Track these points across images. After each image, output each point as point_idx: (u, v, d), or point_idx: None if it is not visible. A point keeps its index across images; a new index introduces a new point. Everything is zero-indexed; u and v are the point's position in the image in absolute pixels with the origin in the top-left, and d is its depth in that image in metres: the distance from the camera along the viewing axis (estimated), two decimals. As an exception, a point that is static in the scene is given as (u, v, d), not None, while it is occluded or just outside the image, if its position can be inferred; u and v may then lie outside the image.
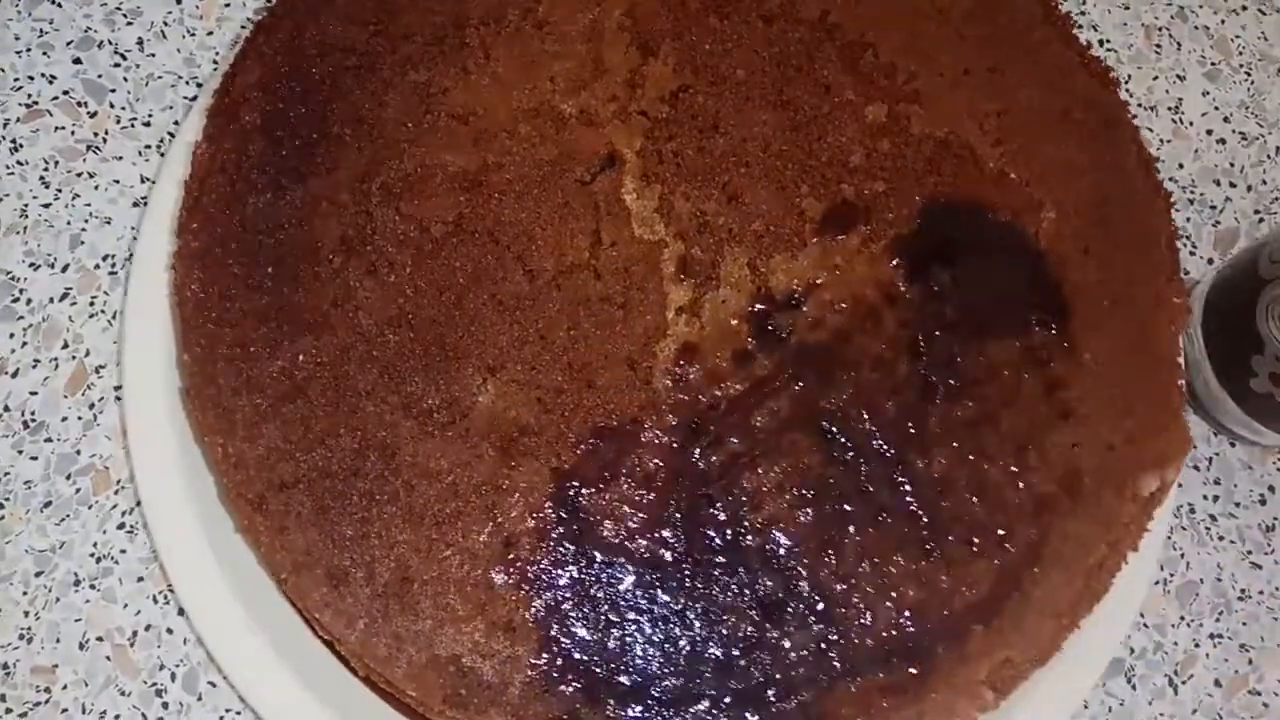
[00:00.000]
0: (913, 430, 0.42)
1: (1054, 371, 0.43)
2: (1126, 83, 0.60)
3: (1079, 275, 0.44)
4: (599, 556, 0.40)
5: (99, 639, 0.47)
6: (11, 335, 0.50)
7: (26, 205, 0.51)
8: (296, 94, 0.43)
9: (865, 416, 0.42)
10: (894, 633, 0.39)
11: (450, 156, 0.43)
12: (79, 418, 0.49)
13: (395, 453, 0.40)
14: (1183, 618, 0.52)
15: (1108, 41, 0.61)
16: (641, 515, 0.40)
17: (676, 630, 0.39)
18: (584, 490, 0.40)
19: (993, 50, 0.47)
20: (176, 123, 0.53)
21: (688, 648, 0.39)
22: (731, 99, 0.45)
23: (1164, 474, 0.42)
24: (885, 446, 0.41)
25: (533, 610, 0.39)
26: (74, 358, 0.50)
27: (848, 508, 0.41)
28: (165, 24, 0.55)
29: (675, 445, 0.41)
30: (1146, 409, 0.43)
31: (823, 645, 0.39)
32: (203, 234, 0.40)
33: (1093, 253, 0.45)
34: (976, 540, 0.41)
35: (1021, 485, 0.42)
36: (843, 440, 0.41)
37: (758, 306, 0.42)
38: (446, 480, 0.40)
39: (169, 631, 0.47)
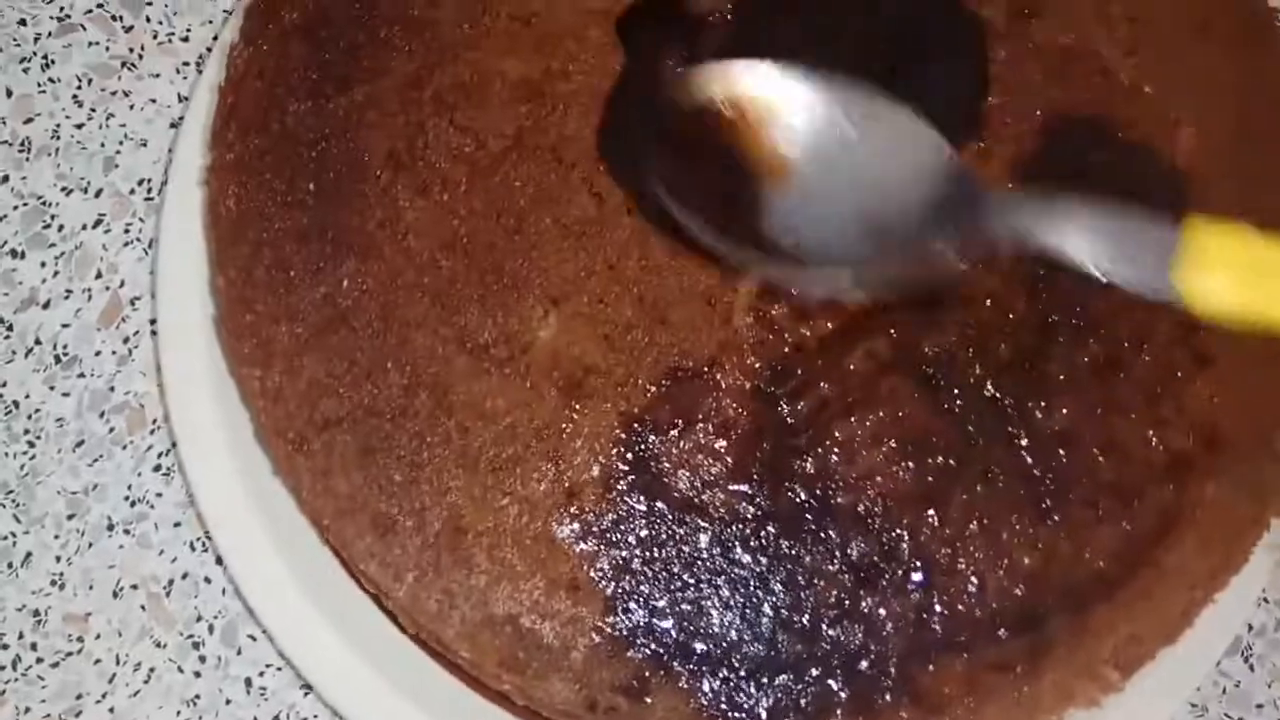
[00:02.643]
0: (1030, 377, 0.37)
1: (1188, 312, 0.38)
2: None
3: (1221, 202, 0.39)
4: (671, 510, 0.36)
5: (133, 587, 0.44)
6: (43, 264, 0.47)
7: (59, 125, 0.48)
8: (342, -9, 0.39)
9: (975, 360, 0.37)
10: (1006, 603, 0.35)
11: (510, 63, 0.39)
12: (113, 352, 0.46)
13: (448, 391, 0.36)
14: (1308, 594, 0.47)
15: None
16: (719, 466, 0.36)
17: (758, 594, 0.35)
18: (655, 437, 0.36)
19: (1126, -52, 0.41)
20: (215, 38, 0.49)
21: (770, 614, 0.35)
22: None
23: (1317, 431, 0.37)
24: (998, 394, 0.37)
25: (598, 567, 0.35)
26: (108, 288, 0.47)
27: (954, 463, 0.36)
28: (204, -69, 0.51)
29: (757, 389, 0.37)
30: (1299, 357, 0.38)
31: (923, 615, 0.35)
32: (238, 145, 0.37)
33: (1236, 177, 0.39)
34: (1102, 502, 0.36)
35: (1154, 441, 0.37)
36: (949, 387, 0.37)
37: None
38: (504, 422, 0.36)
39: (207, 581, 0.44)
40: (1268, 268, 0.29)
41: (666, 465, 0.36)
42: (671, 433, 0.36)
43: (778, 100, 0.33)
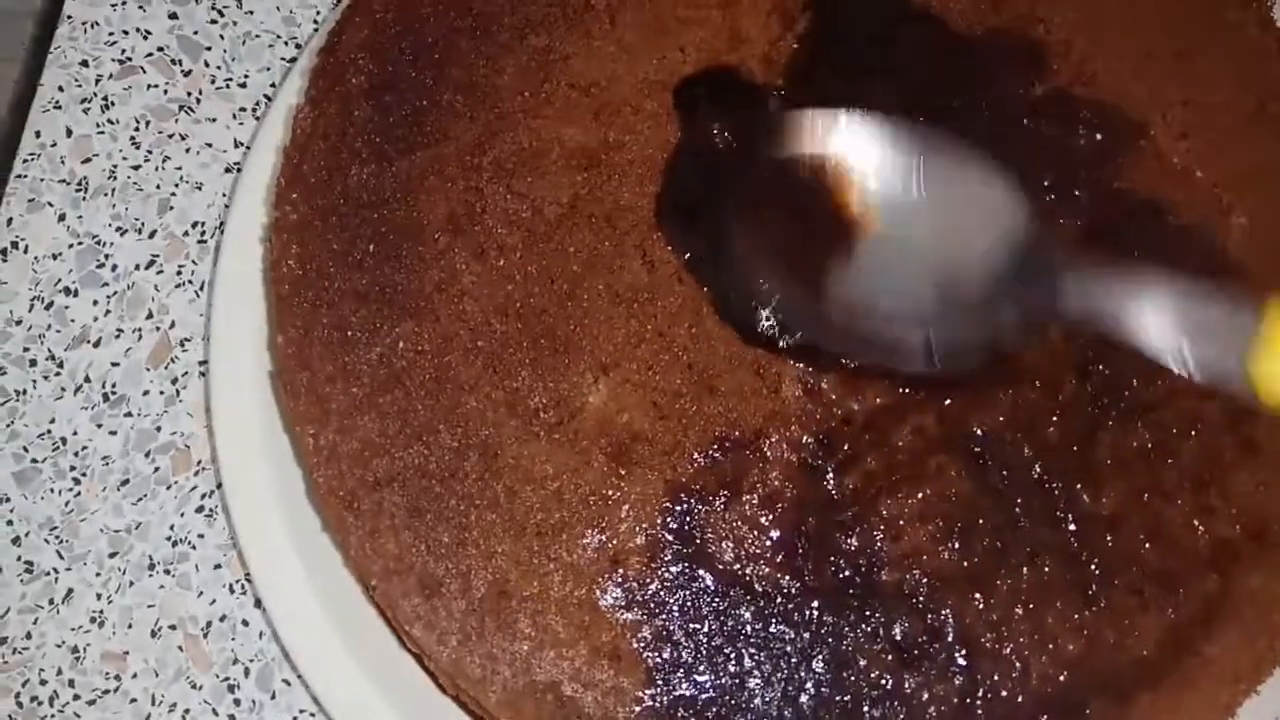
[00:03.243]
0: (1078, 459, 0.37)
1: (1240, 400, 0.38)
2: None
3: (1271, 291, 0.39)
4: (715, 582, 0.36)
5: (172, 627, 0.44)
6: (95, 302, 0.47)
7: (115, 166, 0.49)
8: (406, 56, 0.39)
9: (1024, 441, 0.37)
10: (1048, 689, 0.35)
11: (569, 131, 0.39)
12: (161, 392, 0.47)
13: (498, 454, 0.36)
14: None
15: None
16: (763, 539, 0.36)
17: (800, 671, 0.35)
18: (700, 507, 0.36)
19: (1180, 32, 0.41)
20: (273, 85, 0.50)
21: (812, 691, 0.35)
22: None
23: (1366, 524, 0.37)
24: (1045, 476, 0.37)
25: (640, 637, 0.35)
26: (158, 329, 0.47)
27: (999, 544, 0.36)
28: (265, -20, 0.52)
29: (804, 462, 0.37)
30: (1350, 449, 0.37)
31: (966, 698, 0.35)
32: (301, 205, 0.37)
33: (1290, 266, 0.39)
34: (1147, 589, 0.36)
35: (1200, 528, 0.37)
36: (996, 467, 0.37)
37: (906, 311, 0.38)
38: (552, 487, 0.36)
39: (244, 624, 0.44)
40: None
41: (711, 536, 0.36)
42: (717, 503, 0.37)
43: (854, 155, 0.34)
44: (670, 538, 0.36)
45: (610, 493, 0.36)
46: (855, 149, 0.34)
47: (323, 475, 0.36)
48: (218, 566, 0.45)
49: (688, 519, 0.36)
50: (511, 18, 0.40)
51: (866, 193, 0.34)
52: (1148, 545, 0.36)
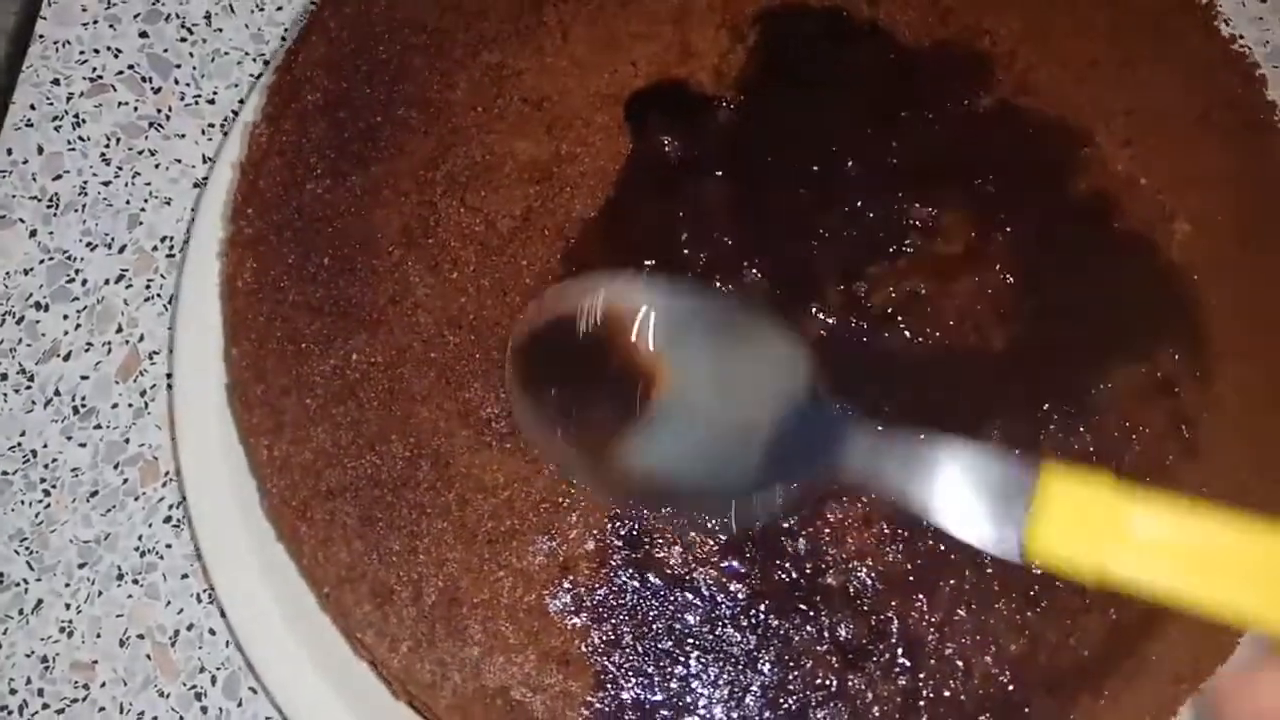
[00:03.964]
0: (1020, 463, 0.37)
1: (1181, 403, 0.39)
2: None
3: (1216, 297, 0.39)
4: (664, 586, 0.36)
5: (140, 636, 0.45)
6: (65, 317, 0.48)
7: (86, 183, 0.50)
8: (362, 73, 0.40)
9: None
10: (991, 689, 0.35)
11: (521, 145, 0.40)
12: (130, 405, 0.47)
13: (449, 463, 0.37)
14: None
15: (1241, 37, 0.55)
16: (711, 543, 0.37)
17: (747, 673, 0.35)
18: (649, 513, 0.37)
19: (1124, 41, 0.42)
20: (241, 101, 0.51)
21: (758, 693, 0.35)
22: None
23: (1307, 525, 0.37)
24: (988, 480, 0.37)
25: (589, 642, 0.36)
26: (127, 342, 0.48)
27: (943, 546, 0.37)
28: (234, -2, 0.53)
29: (752, 468, 0.37)
30: (1289, 451, 0.38)
31: (910, 699, 0.35)
32: (257, 220, 0.38)
33: (1232, 272, 0.40)
34: (1088, 590, 0.36)
35: (1142, 531, 0.37)
36: (940, 471, 0.37)
37: (853, 322, 0.38)
38: (502, 495, 0.37)
39: (211, 633, 0.45)
40: (1114, 525, 0.27)
41: (660, 541, 0.37)
42: (666, 509, 0.37)
43: (642, 315, 0.34)
44: (619, 543, 0.37)
45: (560, 500, 0.37)
46: (639, 305, 0.34)
47: (276, 486, 0.36)
48: (185, 576, 0.45)
49: (636, 525, 0.37)
50: (465, 34, 0.41)
51: (652, 352, 0.33)
52: (1090, 547, 0.37)
